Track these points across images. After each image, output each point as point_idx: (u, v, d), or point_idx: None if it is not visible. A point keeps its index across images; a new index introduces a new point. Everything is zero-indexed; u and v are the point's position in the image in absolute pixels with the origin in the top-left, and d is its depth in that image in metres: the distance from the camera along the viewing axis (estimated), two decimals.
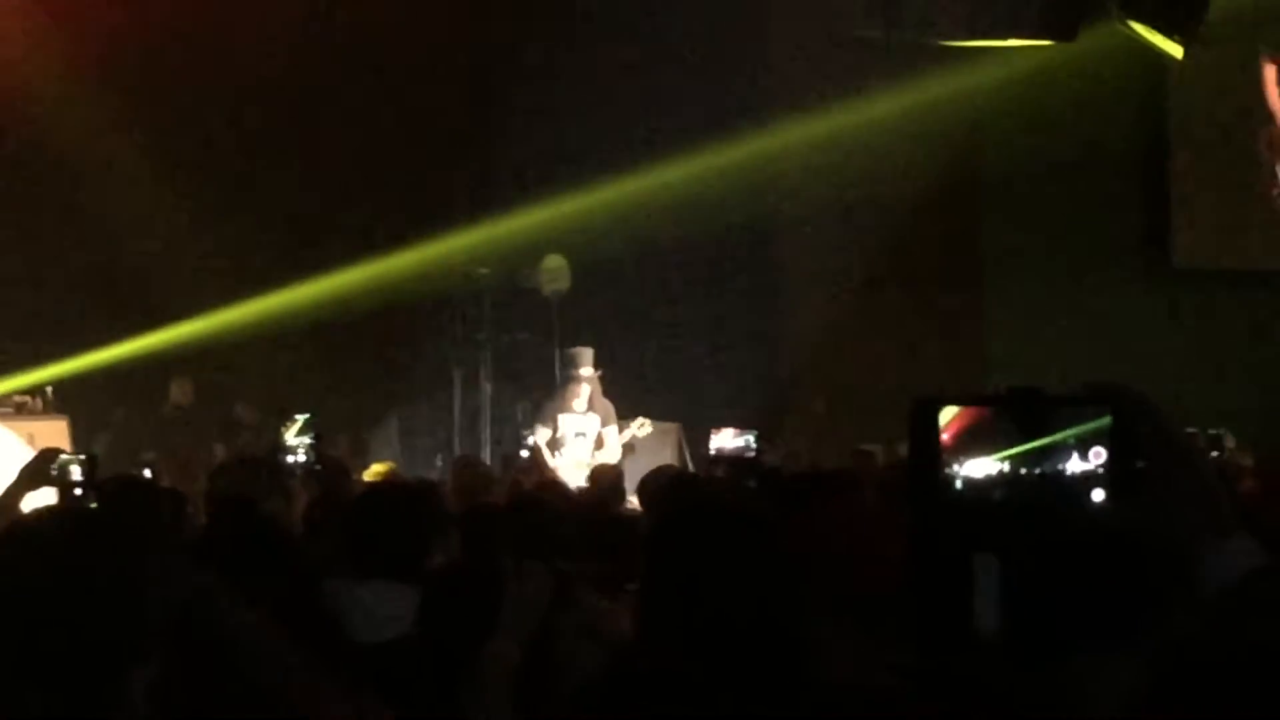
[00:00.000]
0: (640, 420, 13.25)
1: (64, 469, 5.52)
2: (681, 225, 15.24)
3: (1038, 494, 2.17)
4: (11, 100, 14.43)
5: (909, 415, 2.14)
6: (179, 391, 14.96)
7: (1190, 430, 11.28)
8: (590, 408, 13.06)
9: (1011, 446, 2.19)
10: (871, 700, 2.86)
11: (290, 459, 8.51)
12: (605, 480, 10.20)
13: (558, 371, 13.84)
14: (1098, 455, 2.17)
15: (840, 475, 6.85)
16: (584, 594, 5.93)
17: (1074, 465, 2.19)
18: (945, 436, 2.20)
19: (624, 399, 13.65)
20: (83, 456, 5.63)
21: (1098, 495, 2.16)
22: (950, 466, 2.19)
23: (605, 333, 14.86)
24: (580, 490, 10.28)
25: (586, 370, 13.12)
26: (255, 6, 14.83)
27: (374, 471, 10.29)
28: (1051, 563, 2.14)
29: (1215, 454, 11.36)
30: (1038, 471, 2.18)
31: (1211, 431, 11.18)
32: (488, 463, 13.51)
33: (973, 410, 2.21)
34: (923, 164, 14.94)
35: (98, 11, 14.42)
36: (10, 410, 13.31)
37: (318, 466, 8.57)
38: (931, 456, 2.16)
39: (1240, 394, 14.07)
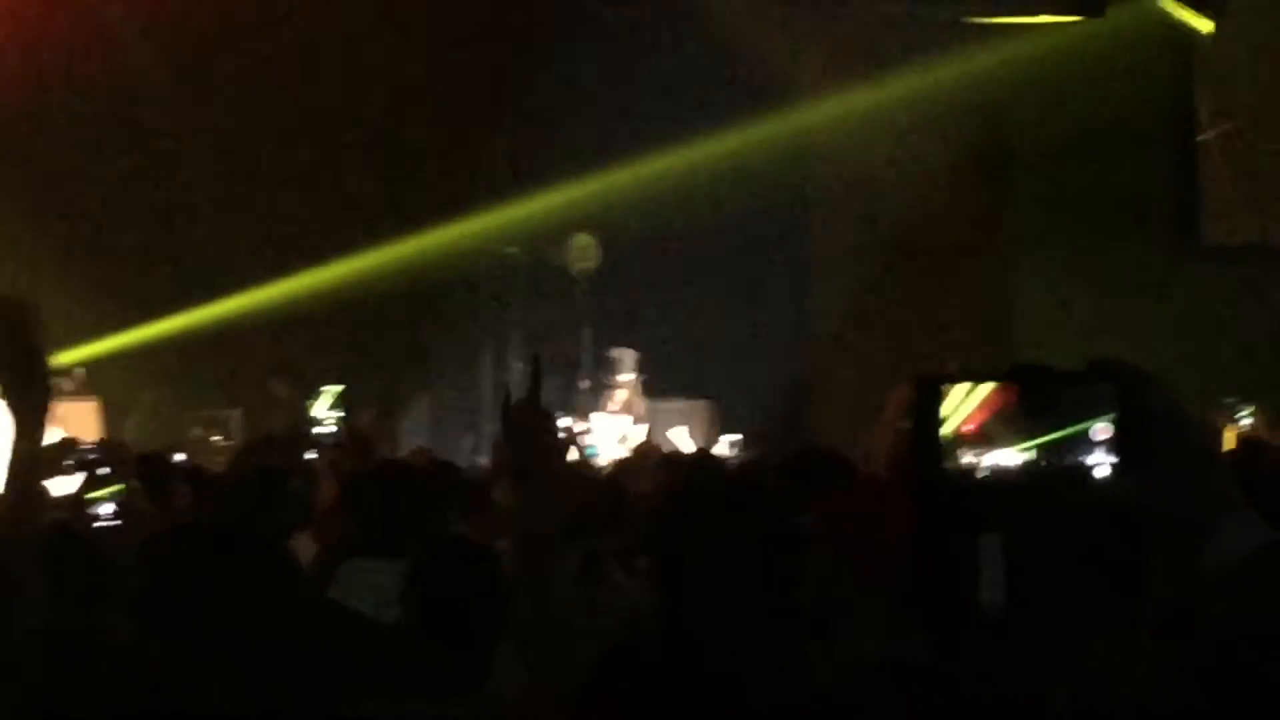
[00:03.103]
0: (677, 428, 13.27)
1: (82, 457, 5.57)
2: (710, 203, 15.23)
3: (1040, 472, 2.18)
4: (50, 82, 14.49)
5: (911, 394, 2.16)
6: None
7: (1227, 401, 11.32)
8: (624, 409, 13.09)
9: (1035, 436, 2.20)
10: (895, 677, 2.88)
11: (318, 431, 8.58)
12: (644, 456, 10.14)
13: (587, 355, 13.82)
14: (1103, 431, 2.18)
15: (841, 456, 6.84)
16: (611, 571, 5.97)
17: (1098, 458, 2.19)
18: (969, 426, 2.21)
19: (652, 377, 13.68)
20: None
21: (1102, 471, 2.17)
22: (973, 456, 2.20)
23: (634, 311, 14.90)
24: (618, 463, 10.27)
25: (627, 376, 13.16)
26: None
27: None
28: (1055, 540, 2.15)
29: (1241, 423, 11.37)
30: (1065, 462, 2.19)
31: (1226, 400, 11.16)
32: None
33: (996, 399, 2.21)
34: (951, 141, 14.91)
35: None
36: None
37: (344, 440, 8.63)
38: (933, 436, 2.17)
39: (1271, 371, 14.01)
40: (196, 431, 13.15)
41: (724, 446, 12.95)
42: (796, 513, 4.26)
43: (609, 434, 13.02)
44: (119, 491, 5.66)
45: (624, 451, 12.82)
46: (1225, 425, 11.33)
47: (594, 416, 13.06)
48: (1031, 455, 2.19)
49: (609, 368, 13.37)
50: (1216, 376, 13.24)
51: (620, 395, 13.14)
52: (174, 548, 3.35)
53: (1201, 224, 15.68)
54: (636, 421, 13.19)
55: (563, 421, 12.49)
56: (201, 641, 3.06)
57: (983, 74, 14.56)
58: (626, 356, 13.39)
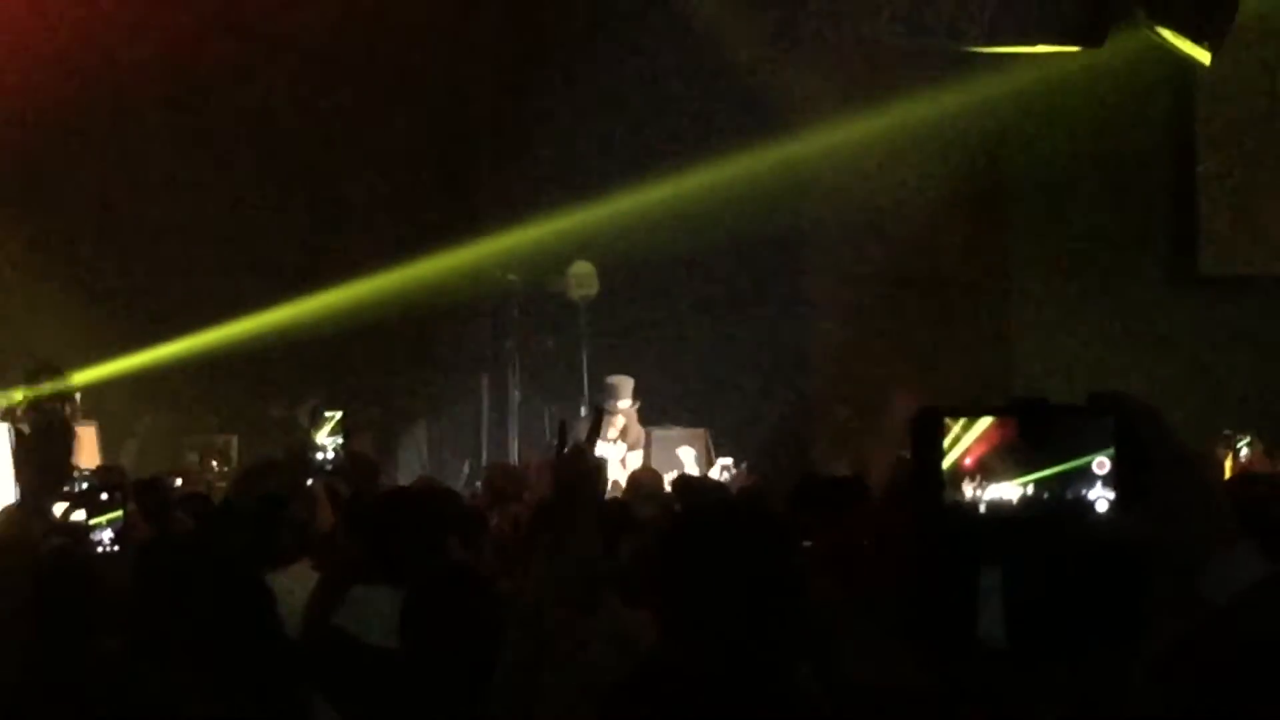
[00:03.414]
0: (675, 449, 13.30)
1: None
2: (709, 232, 15.26)
3: (1041, 506, 2.19)
4: (41, 106, 14.51)
5: (910, 427, 2.17)
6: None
7: (1226, 433, 11.33)
8: (621, 436, 13.10)
9: (1035, 470, 2.20)
10: (895, 701, 2.89)
11: (320, 456, 8.58)
12: (641, 483, 10.17)
13: (585, 383, 13.85)
14: (1101, 466, 2.19)
15: (857, 481, 6.88)
16: (609, 599, 5.97)
17: (1098, 491, 2.20)
18: (968, 460, 2.22)
19: (650, 405, 13.70)
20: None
21: (1102, 505, 2.18)
22: (972, 490, 2.21)
23: (632, 338, 14.91)
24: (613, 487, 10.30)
25: (624, 403, 13.18)
26: (292, 11, 14.91)
27: None
28: (1055, 572, 2.16)
29: (1240, 452, 11.38)
30: (1067, 497, 2.20)
31: (1226, 432, 11.17)
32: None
33: (996, 432, 2.22)
34: (950, 170, 14.94)
35: (127, 13, 14.50)
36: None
37: (344, 466, 8.63)
38: (935, 468, 2.18)
39: (1270, 400, 14.04)
40: (193, 457, 13.16)
41: (716, 470, 12.96)
42: (801, 539, 4.28)
43: (609, 461, 13.03)
44: (117, 519, 5.68)
45: (623, 477, 12.82)
46: (1226, 455, 11.34)
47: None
48: (1031, 489, 2.20)
49: (606, 394, 13.38)
50: (1213, 406, 13.27)
51: (619, 422, 13.15)
52: (155, 562, 3.40)
53: (1199, 254, 15.71)
54: (632, 449, 13.21)
55: None
56: (182, 659, 3.09)
57: (982, 104, 14.59)
58: (624, 384, 13.40)
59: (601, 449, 13.02)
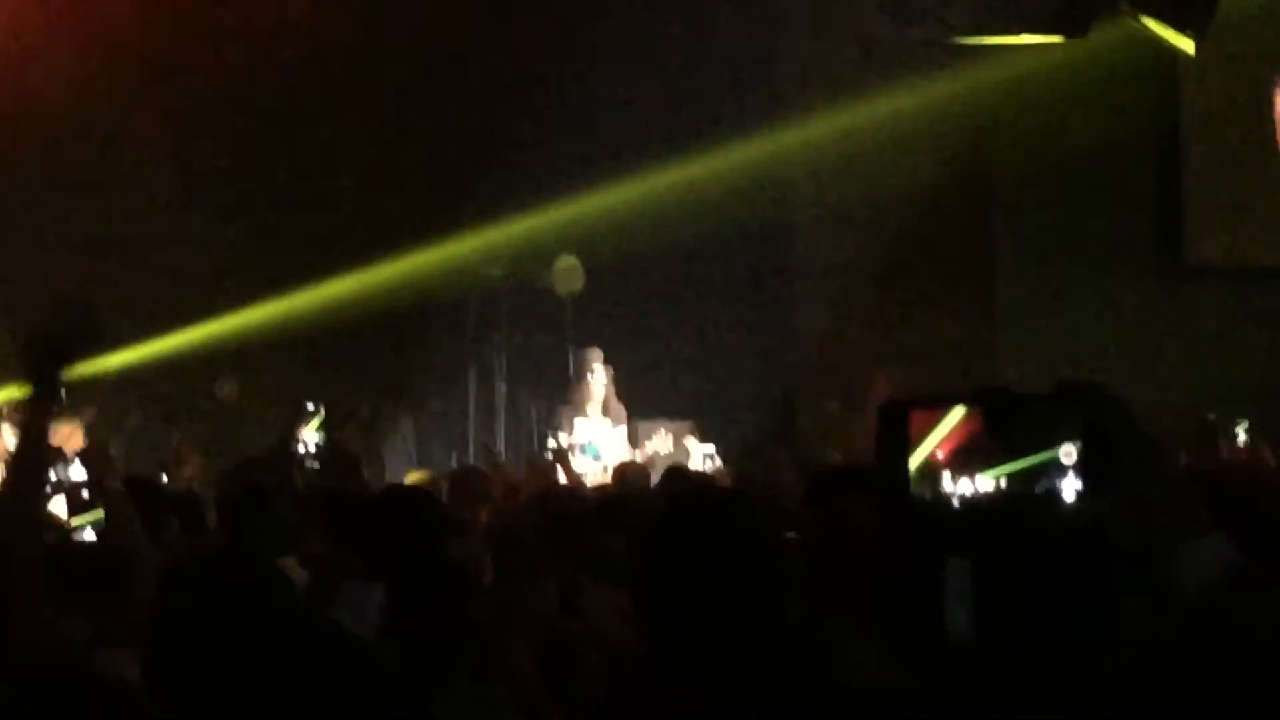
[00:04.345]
0: (661, 432, 13.23)
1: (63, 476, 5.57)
2: (694, 225, 15.26)
3: (1011, 498, 2.18)
4: (23, 96, 14.49)
5: (877, 420, 2.16)
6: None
7: (1210, 417, 11.33)
8: (605, 411, 13.05)
9: (1003, 461, 2.20)
10: (887, 701, 2.86)
11: (303, 450, 8.57)
12: (630, 478, 10.13)
13: (571, 373, 13.84)
14: (1069, 455, 2.18)
15: (854, 472, 6.84)
16: (592, 603, 5.96)
17: (1066, 481, 2.19)
18: (940, 454, 2.21)
19: (638, 399, 13.69)
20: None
21: (1070, 495, 2.18)
22: (944, 484, 2.20)
23: (619, 333, 14.90)
24: (604, 487, 10.25)
25: (598, 368, 13.12)
26: (273, 3, 14.90)
27: (412, 480, 10.23)
28: (1023, 564, 2.16)
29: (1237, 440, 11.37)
30: (1036, 489, 2.19)
31: (1210, 416, 11.14)
32: (504, 459, 13.58)
33: (965, 426, 2.21)
34: (933, 162, 14.94)
35: (113, 5, 14.48)
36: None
37: (328, 461, 8.61)
38: (901, 461, 2.18)
39: (1255, 391, 14.04)
40: (177, 451, 13.09)
41: (699, 458, 12.93)
42: (810, 531, 4.25)
43: (598, 436, 12.97)
44: (99, 520, 5.66)
45: (621, 451, 12.78)
46: (1225, 443, 11.31)
47: (578, 422, 12.98)
48: (1000, 480, 2.19)
49: (580, 363, 13.30)
50: (1199, 397, 13.27)
51: (599, 393, 13.07)
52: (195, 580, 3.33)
53: (1185, 244, 15.72)
54: (616, 423, 13.13)
55: (552, 442, 12.39)
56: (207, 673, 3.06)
57: (967, 94, 14.59)
58: (594, 352, 13.31)
59: (588, 428, 12.96)
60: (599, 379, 13.08)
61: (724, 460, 12.86)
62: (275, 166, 15.40)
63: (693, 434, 14.01)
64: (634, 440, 13.20)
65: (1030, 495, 2.18)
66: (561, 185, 14.75)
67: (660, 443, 13.23)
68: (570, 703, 4.79)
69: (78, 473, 5.93)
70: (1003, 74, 14.54)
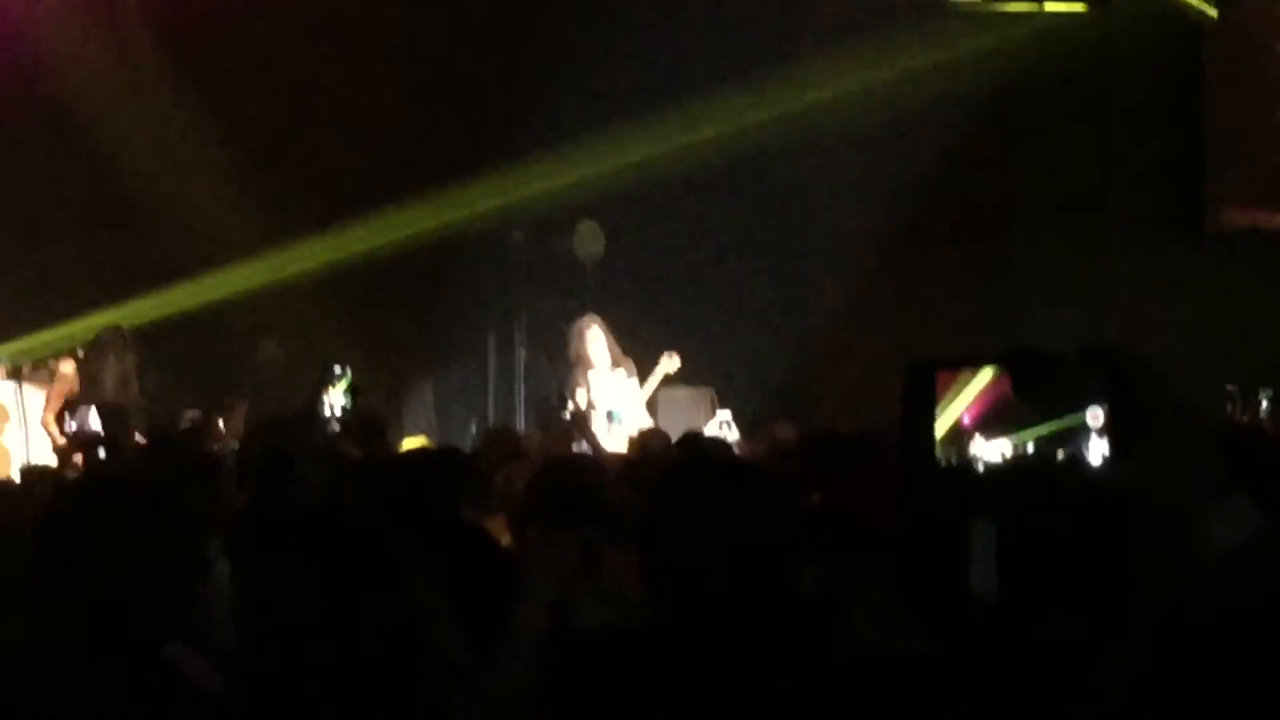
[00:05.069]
0: (667, 355, 13.10)
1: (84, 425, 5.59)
2: (714, 190, 15.25)
3: (1036, 460, 2.18)
4: (37, 55, 14.52)
5: (903, 381, 2.16)
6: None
7: (1231, 388, 11.31)
8: (616, 363, 12.94)
9: (1030, 424, 2.19)
10: (906, 664, 2.86)
11: (328, 413, 8.58)
12: (648, 443, 10.09)
13: (571, 351, 13.60)
14: (1096, 418, 2.18)
15: (871, 437, 6.84)
16: (610, 558, 5.96)
17: (1093, 444, 2.19)
18: (966, 419, 2.21)
19: (656, 364, 13.66)
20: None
21: (1096, 458, 2.17)
22: (967, 444, 2.20)
23: (639, 297, 14.89)
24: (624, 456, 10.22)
25: (595, 328, 12.94)
26: None
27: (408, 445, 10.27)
28: (1048, 526, 2.15)
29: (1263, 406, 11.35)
30: (1058, 451, 2.18)
31: (1229, 387, 11.12)
32: (522, 427, 13.56)
33: (992, 390, 2.21)
34: (954, 126, 14.88)
35: None
36: (46, 374, 13.33)
37: (353, 425, 8.61)
38: (928, 423, 2.17)
39: (1275, 357, 13.99)
40: (195, 414, 13.09)
41: (715, 424, 12.90)
42: (806, 494, 4.24)
43: (617, 393, 12.88)
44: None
45: (641, 415, 12.72)
46: (1252, 411, 11.29)
47: (591, 376, 12.86)
48: (1027, 443, 2.19)
49: (578, 338, 13.10)
50: (1222, 364, 13.24)
51: (601, 356, 12.93)
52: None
53: (1207, 210, 15.65)
54: (629, 375, 12.98)
55: (572, 404, 12.30)
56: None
57: (990, 60, 14.55)
58: (585, 321, 13.15)
59: (603, 381, 12.87)
60: (598, 338, 12.94)
61: (739, 428, 12.84)
62: (290, 127, 15.39)
63: (711, 399, 13.99)
64: (653, 409, 13.12)
65: (1054, 456, 2.17)
66: (583, 149, 14.71)
67: (680, 417, 13.15)
68: (583, 664, 4.79)
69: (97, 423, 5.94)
70: (1024, 37, 14.50)
